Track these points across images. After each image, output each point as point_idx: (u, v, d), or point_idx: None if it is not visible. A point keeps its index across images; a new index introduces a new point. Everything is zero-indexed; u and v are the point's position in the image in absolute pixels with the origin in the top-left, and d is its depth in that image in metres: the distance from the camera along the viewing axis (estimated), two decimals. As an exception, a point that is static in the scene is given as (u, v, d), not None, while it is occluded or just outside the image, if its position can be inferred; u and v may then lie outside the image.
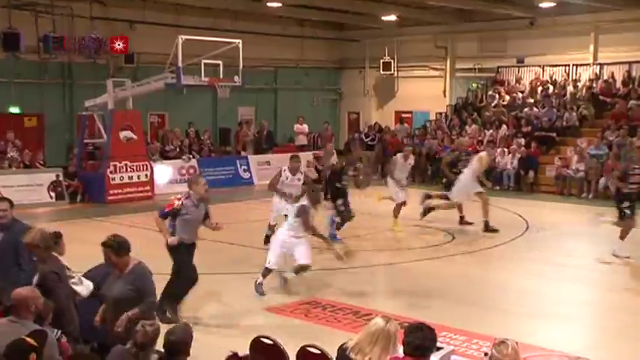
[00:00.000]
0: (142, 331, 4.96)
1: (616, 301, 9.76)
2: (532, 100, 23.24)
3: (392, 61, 26.40)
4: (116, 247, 6.11)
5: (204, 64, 17.92)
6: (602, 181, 18.87)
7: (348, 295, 9.37)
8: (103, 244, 6.14)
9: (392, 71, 26.60)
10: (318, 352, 5.51)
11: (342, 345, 5.01)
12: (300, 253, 9.41)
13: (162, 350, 4.93)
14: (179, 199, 8.29)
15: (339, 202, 12.81)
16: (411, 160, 14.76)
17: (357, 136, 25.39)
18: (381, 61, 26.36)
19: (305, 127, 24.94)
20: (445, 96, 26.28)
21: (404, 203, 14.19)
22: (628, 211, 11.56)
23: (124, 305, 5.95)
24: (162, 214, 8.32)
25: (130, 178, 18.42)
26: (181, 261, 8.35)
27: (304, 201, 9.48)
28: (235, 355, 5.44)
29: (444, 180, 14.91)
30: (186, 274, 8.38)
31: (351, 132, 27.67)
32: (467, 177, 13.79)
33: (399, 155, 14.78)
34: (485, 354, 4.60)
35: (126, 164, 18.28)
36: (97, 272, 6.72)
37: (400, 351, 4.73)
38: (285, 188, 11.72)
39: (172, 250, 8.32)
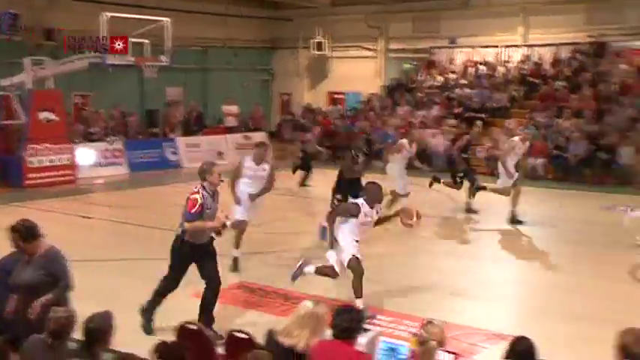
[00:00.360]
0: (54, 318, 4.72)
1: (545, 280, 9.88)
2: (465, 81, 23.43)
3: (325, 41, 26.17)
4: (24, 232, 5.78)
5: (131, 42, 17.31)
6: (529, 161, 19.16)
7: (278, 278, 9.11)
8: (11, 229, 5.81)
9: (325, 51, 26.38)
10: (246, 336, 5.36)
11: (270, 329, 4.94)
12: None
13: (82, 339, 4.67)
14: (196, 192, 7.18)
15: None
16: (414, 148, 13.55)
17: (288, 118, 25.12)
18: (314, 40, 26.10)
19: (234, 109, 24.47)
20: (378, 77, 26.25)
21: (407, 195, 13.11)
22: None
23: (36, 292, 5.63)
24: (192, 217, 7.14)
25: (51, 161, 17.63)
26: (176, 264, 7.33)
27: (360, 199, 7.94)
28: (163, 343, 5.26)
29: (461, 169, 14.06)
30: (172, 278, 7.36)
31: (283, 113, 27.39)
32: (510, 163, 13.08)
33: (404, 140, 13.63)
34: (414, 334, 4.54)
35: (46, 147, 17.47)
36: (8, 260, 6.29)
37: (329, 334, 4.64)
38: (249, 180, 9.91)
39: (175, 248, 7.31)
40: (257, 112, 25.48)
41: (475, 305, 8.48)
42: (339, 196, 11.18)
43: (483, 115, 21.51)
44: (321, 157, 19.93)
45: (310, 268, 8.05)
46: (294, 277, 8.13)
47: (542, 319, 7.85)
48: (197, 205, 7.08)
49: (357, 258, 7.69)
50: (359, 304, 7.42)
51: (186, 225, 7.18)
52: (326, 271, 7.93)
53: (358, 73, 26.01)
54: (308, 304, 4.95)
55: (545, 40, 22.68)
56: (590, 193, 15.69)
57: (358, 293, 7.61)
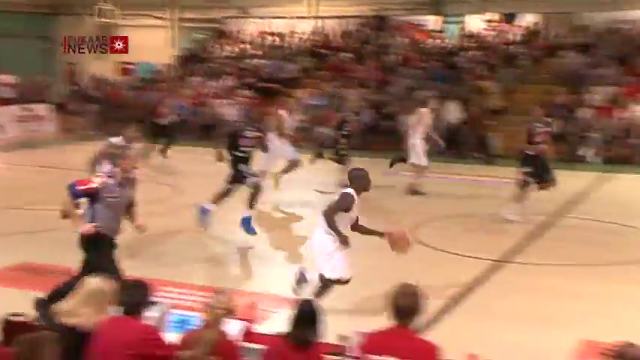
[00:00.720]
0: None
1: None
2: (258, 52, 23.65)
3: (113, 8, 25.00)
4: None
5: None
6: (320, 130, 19.83)
7: (63, 256, 8.65)
8: None
9: (113, 19, 25.23)
10: (25, 320, 5.06)
11: (54, 309, 4.77)
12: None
13: None
14: (99, 176, 6.48)
15: (242, 167, 9.95)
16: (297, 116, 12.84)
17: (75, 89, 23.80)
18: (98, 7, 24.81)
19: (9, 79, 22.62)
20: (171, 47, 25.66)
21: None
22: (530, 178, 10.94)
23: None
24: (74, 193, 6.30)
25: None
26: (101, 262, 6.21)
27: (346, 187, 6.89)
28: None
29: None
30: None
31: (70, 84, 25.90)
32: (417, 137, 12.92)
33: (282, 111, 12.88)
34: (205, 304, 4.56)
35: None
36: None
37: (116, 310, 4.56)
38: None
39: (90, 245, 6.34)
40: (42, 82, 23.81)
41: (271, 271, 8.68)
42: (242, 167, 10.16)
43: (276, 86, 21.95)
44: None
45: (313, 274, 6.98)
46: (297, 289, 7.04)
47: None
48: (87, 187, 6.25)
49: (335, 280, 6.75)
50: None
51: (65, 200, 6.35)
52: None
53: (150, 42, 25.20)
54: (93, 281, 4.78)
55: (332, 13, 23.51)
56: (375, 160, 16.54)
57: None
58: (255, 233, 9.71)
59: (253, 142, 10.07)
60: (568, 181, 13.05)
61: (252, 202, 9.86)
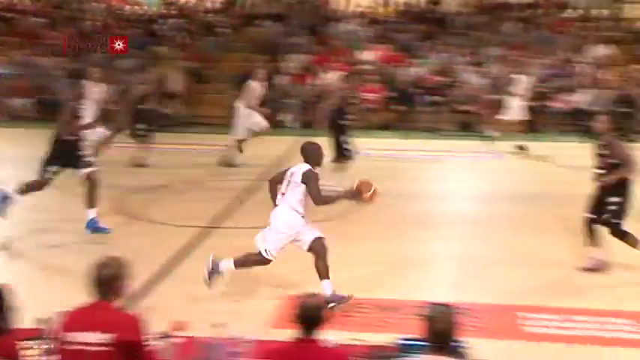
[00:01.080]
0: None
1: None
2: None
3: None
4: None
5: None
6: (17, 102, 18.24)
7: None
8: None
9: None
10: None
11: None
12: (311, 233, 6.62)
13: None
14: None
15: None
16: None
17: None
18: None
19: None
20: None
21: None
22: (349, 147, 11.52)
23: None
24: None
25: None
26: None
27: (305, 165, 6.57)
28: None
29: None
30: None
31: None
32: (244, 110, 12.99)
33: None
34: None
35: None
36: None
37: None
38: None
39: None
40: None
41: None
42: (54, 168, 8.43)
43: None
44: None
45: (227, 264, 6.61)
46: (209, 280, 6.60)
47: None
48: None
49: (321, 238, 6.57)
50: (326, 286, 6.41)
51: None
52: (253, 260, 6.65)
53: None
54: None
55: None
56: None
57: (324, 274, 6.50)
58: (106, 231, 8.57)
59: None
60: (270, 145, 13.65)
61: (91, 197, 8.59)
